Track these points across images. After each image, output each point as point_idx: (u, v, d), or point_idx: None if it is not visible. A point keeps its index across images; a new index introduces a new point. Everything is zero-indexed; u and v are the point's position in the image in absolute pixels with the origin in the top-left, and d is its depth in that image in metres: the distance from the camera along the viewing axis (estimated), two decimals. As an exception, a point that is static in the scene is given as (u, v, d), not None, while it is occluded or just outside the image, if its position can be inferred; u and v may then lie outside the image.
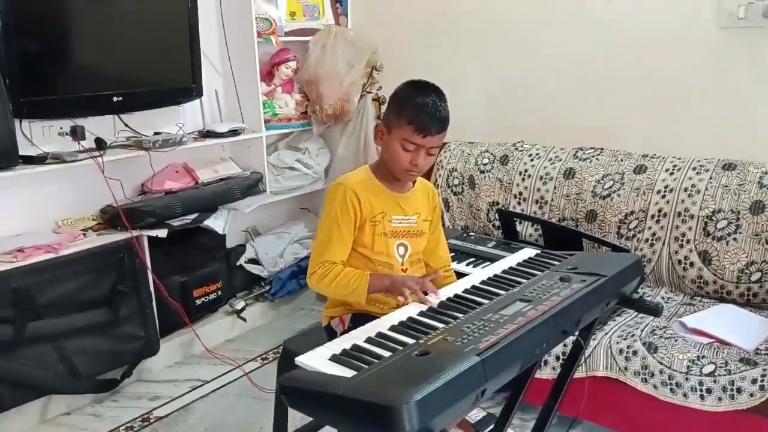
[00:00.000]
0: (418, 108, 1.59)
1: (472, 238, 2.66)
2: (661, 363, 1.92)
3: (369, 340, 1.26)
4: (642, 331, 2.07)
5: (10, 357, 2.23)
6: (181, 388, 2.61)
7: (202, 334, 2.84)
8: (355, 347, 1.22)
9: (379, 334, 1.28)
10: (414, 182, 1.76)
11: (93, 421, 2.41)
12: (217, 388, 2.61)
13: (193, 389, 2.61)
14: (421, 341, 1.22)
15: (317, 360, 1.18)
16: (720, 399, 1.82)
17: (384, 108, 2.79)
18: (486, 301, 1.42)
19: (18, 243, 2.32)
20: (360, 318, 1.63)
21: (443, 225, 2.86)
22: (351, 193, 1.64)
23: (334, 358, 1.18)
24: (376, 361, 1.15)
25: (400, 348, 1.20)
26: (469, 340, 1.19)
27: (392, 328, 1.32)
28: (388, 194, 1.70)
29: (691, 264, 2.35)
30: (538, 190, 2.70)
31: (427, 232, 1.78)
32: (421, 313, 1.40)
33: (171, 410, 2.47)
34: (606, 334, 2.08)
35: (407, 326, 1.33)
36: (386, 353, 1.19)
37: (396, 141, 1.62)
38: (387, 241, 1.69)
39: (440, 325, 1.31)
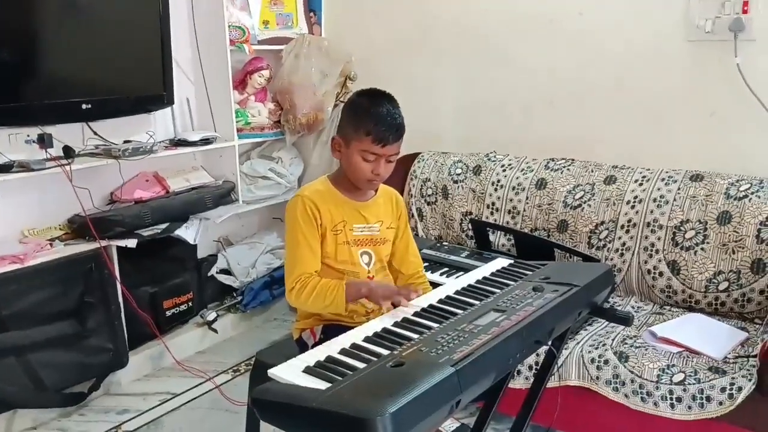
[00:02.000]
0: (375, 119, 1.60)
1: (446, 247, 2.67)
2: (632, 372, 1.94)
3: (343, 352, 1.24)
4: (613, 340, 2.09)
5: (-27, 371, 2.17)
6: (150, 402, 2.57)
7: (172, 346, 2.79)
8: (329, 359, 1.21)
9: (354, 346, 1.27)
10: (376, 191, 1.76)
11: (59, 435, 2.36)
12: (188, 401, 2.57)
13: (163, 402, 2.56)
14: (395, 352, 1.21)
15: (291, 372, 1.16)
16: (690, 407, 1.84)
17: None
18: (460, 312, 1.42)
19: (-18, 253, 2.26)
20: (331, 329, 1.63)
21: (416, 234, 2.90)
22: (309, 202, 1.65)
23: (308, 370, 1.17)
24: (350, 372, 1.14)
25: (375, 359, 1.19)
26: (443, 350, 1.19)
27: (366, 339, 1.31)
28: (348, 203, 1.71)
29: (660, 273, 2.38)
30: (511, 200, 2.72)
31: (391, 240, 1.79)
32: (396, 324, 1.39)
33: (140, 424, 2.42)
34: (578, 343, 2.09)
35: (382, 337, 1.32)
36: (360, 365, 1.18)
37: (355, 153, 1.63)
38: (350, 249, 1.69)
39: (415, 336, 1.30)
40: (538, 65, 2.87)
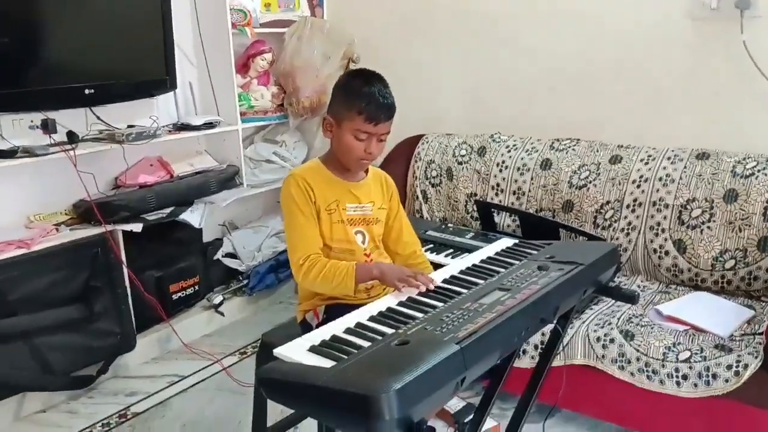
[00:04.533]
0: (367, 98, 1.63)
1: (451, 229, 2.66)
2: (638, 350, 1.95)
3: (348, 331, 1.25)
4: (619, 319, 2.09)
5: (-18, 355, 2.19)
6: (158, 384, 2.59)
7: (179, 329, 2.81)
8: (334, 338, 1.21)
9: (358, 324, 1.27)
10: (366, 172, 1.79)
11: (69, 418, 2.38)
12: (195, 384, 2.59)
13: (171, 385, 2.58)
14: (400, 331, 1.21)
15: (296, 351, 1.17)
16: (696, 385, 1.84)
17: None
18: (465, 291, 1.42)
19: (-12, 239, 2.27)
20: (333, 308, 1.64)
21: (421, 216, 2.90)
22: (302, 181, 1.67)
23: (313, 349, 1.17)
24: (355, 351, 1.14)
25: (380, 338, 1.20)
26: (448, 329, 1.19)
27: (371, 318, 1.31)
28: (340, 183, 1.73)
29: (666, 252, 2.37)
30: (516, 181, 2.71)
31: (383, 220, 1.81)
32: (400, 303, 1.39)
33: (148, 406, 2.44)
34: (583, 322, 2.09)
35: (386, 316, 1.32)
36: (365, 343, 1.18)
37: (348, 132, 1.65)
38: (345, 228, 1.71)
39: (419, 315, 1.30)
40: (542, 46, 2.85)
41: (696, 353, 1.88)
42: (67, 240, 2.41)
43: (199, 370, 2.68)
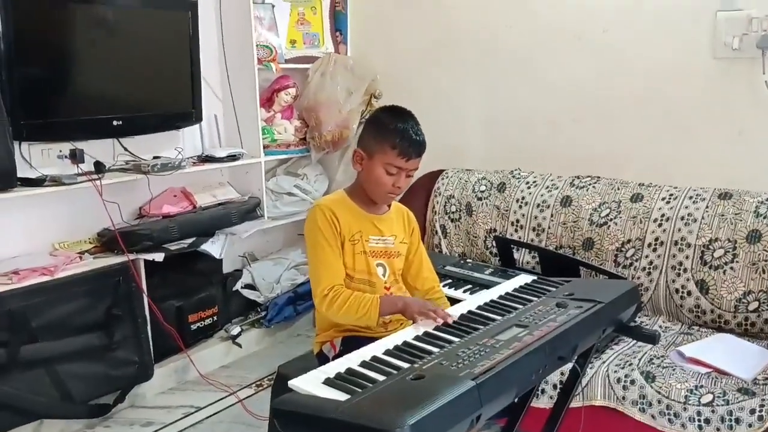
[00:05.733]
0: (400, 133, 1.67)
1: (470, 265, 2.65)
2: (659, 392, 1.91)
3: (363, 364, 1.24)
4: (640, 360, 2.05)
5: (3, 380, 2.20)
6: (174, 415, 2.58)
7: (196, 359, 2.82)
8: (349, 371, 1.21)
9: (374, 358, 1.27)
10: (389, 206, 1.81)
11: (84, 446, 2.39)
12: (211, 415, 2.58)
13: (187, 416, 2.58)
14: (416, 365, 1.21)
15: (311, 383, 1.17)
16: (718, 429, 1.79)
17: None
18: (482, 327, 1.41)
19: (14, 265, 2.31)
20: (350, 341, 1.64)
21: (440, 251, 2.90)
22: (329, 211, 1.70)
23: (328, 382, 1.17)
24: (370, 384, 1.14)
25: (395, 372, 1.19)
26: (464, 364, 1.18)
27: (387, 352, 1.31)
28: (364, 215, 1.75)
29: (689, 293, 2.34)
30: (535, 217, 2.71)
31: (404, 254, 1.83)
32: (417, 338, 1.39)
33: (163, 437, 2.44)
34: (603, 362, 2.06)
35: (402, 350, 1.32)
36: (380, 377, 1.18)
37: (379, 165, 1.68)
38: (367, 259, 1.73)
39: (435, 350, 1.30)
40: (563, 81, 2.87)
41: (719, 396, 1.83)
42: (90, 268, 2.45)
43: (215, 402, 2.67)
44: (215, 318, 2.98)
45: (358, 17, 3.47)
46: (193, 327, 2.88)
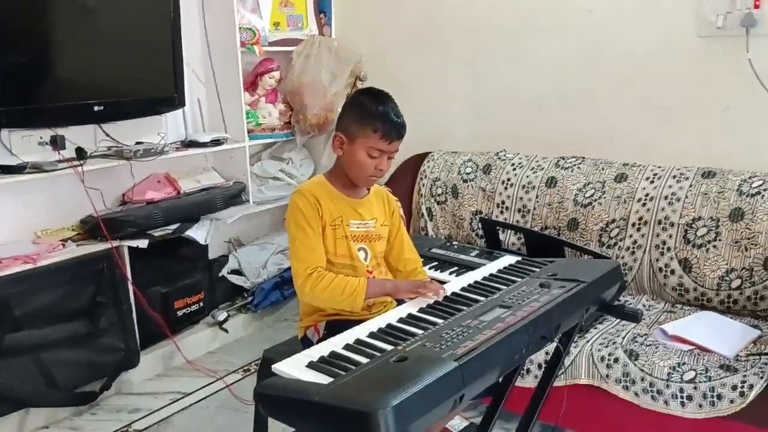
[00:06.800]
0: (382, 116, 1.66)
1: (456, 247, 2.66)
2: (642, 370, 1.93)
3: (347, 347, 1.24)
4: (623, 338, 2.07)
5: (-13, 369, 2.20)
6: (161, 401, 2.58)
7: (183, 345, 2.81)
8: (333, 354, 1.21)
9: (358, 341, 1.27)
10: (369, 189, 1.81)
11: (71, 434, 2.38)
12: (198, 401, 2.58)
13: (174, 402, 2.58)
14: (399, 347, 1.21)
15: (294, 367, 1.17)
16: (701, 406, 1.82)
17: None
18: (465, 308, 1.42)
19: (-5, 253, 2.29)
20: (334, 324, 1.64)
21: (426, 234, 2.90)
22: (312, 197, 1.69)
23: (312, 365, 1.17)
24: (353, 367, 1.14)
25: (378, 354, 1.19)
26: (447, 346, 1.19)
27: (371, 335, 1.31)
28: (344, 200, 1.75)
29: (672, 271, 2.36)
30: (521, 198, 2.71)
31: (385, 237, 1.83)
32: (400, 320, 1.39)
33: (150, 423, 2.44)
34: (587, 341, 2.08)
35: (386, 332, 1.32)
36: (364, 359, 1.18)
37: (361, 149, 1.68)
38: (348, 244, 1.73)
39: (419, 332, 1.30)
40: (548, 61, 2.86)
41: (701, 373, 1.85)
42: (73, 255, 2.43)
43: (202, 387, 2.67)
44: (201, 304, 2.97)
45: (341, -1, 3.44)
46: (179, 313, 2.87)
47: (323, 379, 1.11)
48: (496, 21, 2.97)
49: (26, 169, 2.35)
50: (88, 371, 2.48)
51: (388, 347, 1.23)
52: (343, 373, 1.12)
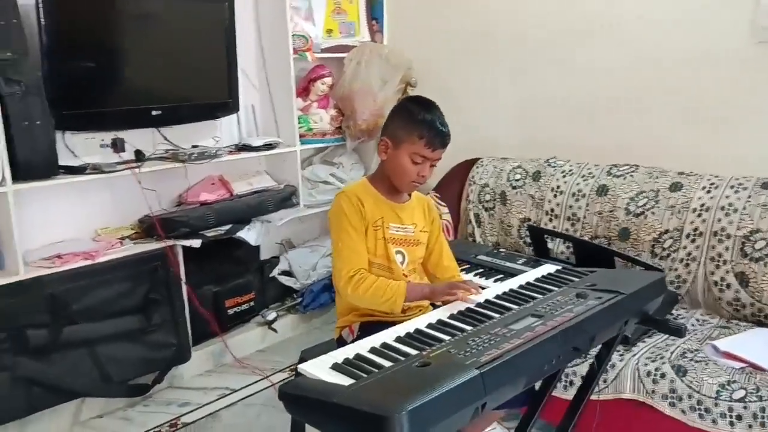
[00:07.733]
0: (428, 124, 1.69)
1: (503, 254, 2.62)
2: (690, 387, 1.85)
3: (372, 350, 1.26)
4: (672, 353, 2.00)
5: (46, 360, 2.30)
6: (209, 396, 2.66)
7: (232, 343, 2.88)
8: (357, 356, 1.23)
9: (384, 344, 1.28)
10: (410, 195, 1.84)
11: (123, 424, 2.48)
12: (244, 397, 2.64)
13: (222, 397, 2.65)
14: (424, 352, 1.21)
15: (319, 368, 1.19)
16: (750, 426, 1.74)
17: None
18: (497, 315, 1.41)
19: (57, 250, 2.41)
20: (368, 326, 1.66)
21: (474, 240, 2.88)
22: (355, 198, 1.73)
23: (336, 367, 1.19)
24: (376, 370, 1.15)
25: (402, 359, 1.20)
26: (471, 353, 1.18)
27: (398, 339, 1.31)
28: (386, 203, 1.78)
29: (728, 285, 2.26)
30: (570, 206, 2.66)
31: (424, 243, 1.84)
32: (429, 325, 1.39)
33: (198, 417, 2.51)
34: (634, 355, 2.02)
35: (413, 337, 1.32)
36: (387, 363, 1.19)
37: (405, 155, 1.71)
38: (387, 246, 1.75)
39: (446, 338, 1.30)
40: (599, 69, 2.80)
41: (752, 392, 1.77)
42: (130, 253, 2.53)
43: (249, 385, 2.73)
44: (252, 303, 3.04)
45: (394, 6, 3.46)
46: (230, 312, 2.95)
47: (345, 381, 1.13)
48: (546, 28, 2.93)
49: (87, 170, 2.46)
50: (141, 365, 2.58)
51: (414, 352, 1.23)
52: (365, 375, 1.13)
